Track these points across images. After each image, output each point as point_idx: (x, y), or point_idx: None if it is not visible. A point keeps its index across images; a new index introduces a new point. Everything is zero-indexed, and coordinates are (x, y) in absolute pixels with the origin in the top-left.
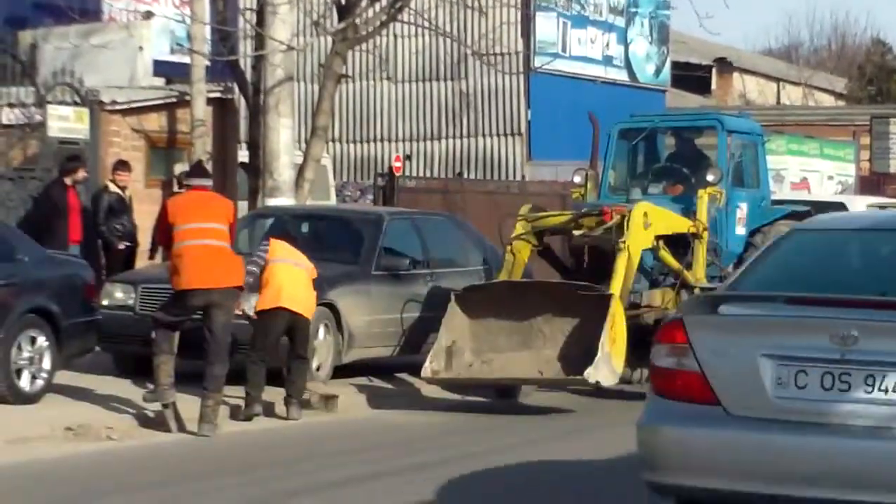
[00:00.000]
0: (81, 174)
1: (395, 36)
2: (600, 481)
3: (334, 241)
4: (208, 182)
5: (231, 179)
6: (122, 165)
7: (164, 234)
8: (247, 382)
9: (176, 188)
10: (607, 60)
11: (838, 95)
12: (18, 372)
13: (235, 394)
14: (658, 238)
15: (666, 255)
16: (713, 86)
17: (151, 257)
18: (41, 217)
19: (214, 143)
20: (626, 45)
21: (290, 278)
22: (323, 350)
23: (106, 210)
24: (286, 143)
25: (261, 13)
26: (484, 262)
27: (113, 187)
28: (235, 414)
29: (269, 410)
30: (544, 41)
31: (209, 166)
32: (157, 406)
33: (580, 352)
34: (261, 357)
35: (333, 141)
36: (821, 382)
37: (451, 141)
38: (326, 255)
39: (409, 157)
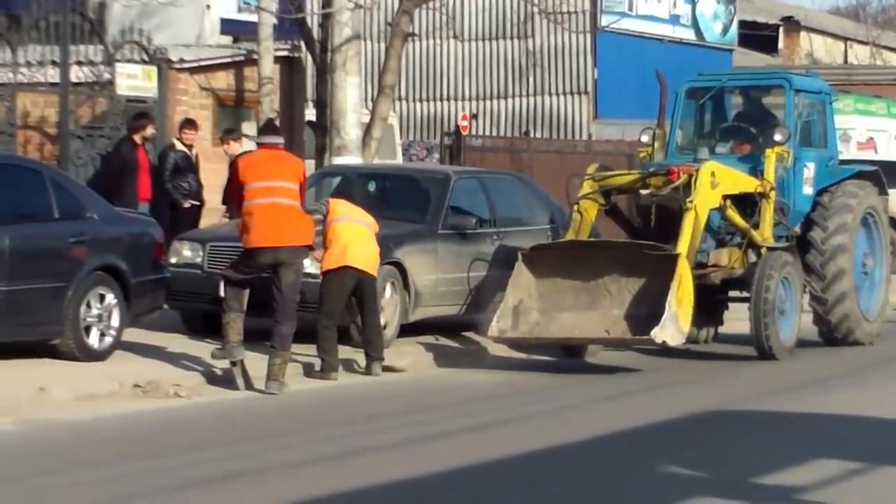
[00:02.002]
0: (150, 131)
1: None
2: (666, 439)
3: (401, 199)
4: (279, 140)
5: (298, 138)
6: (189, 124)
7: (235, 192)
8: (319, 348)
9: (243, 148)
10: (674, 19)
11: None
12: (87, 329)
13: (303, 352)
14: (725, 197)
15: (733, 214)
16: (780, 45)
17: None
18: (110, 175)
19: (282, 101)
20: (694, 4)
21: (355, 236)
22: (389, 309)
23: (172, 168)
24: (353, 101)
25: None
26: (551, 222)
27: (179, 145)
28: (310, 374)
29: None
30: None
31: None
32: (225, 363)
33: (647, 311)
34: (331, 320)
35: (400, 100)
36: None
37: (517, 100)
38: (393, 214)
39: (475, 116)
